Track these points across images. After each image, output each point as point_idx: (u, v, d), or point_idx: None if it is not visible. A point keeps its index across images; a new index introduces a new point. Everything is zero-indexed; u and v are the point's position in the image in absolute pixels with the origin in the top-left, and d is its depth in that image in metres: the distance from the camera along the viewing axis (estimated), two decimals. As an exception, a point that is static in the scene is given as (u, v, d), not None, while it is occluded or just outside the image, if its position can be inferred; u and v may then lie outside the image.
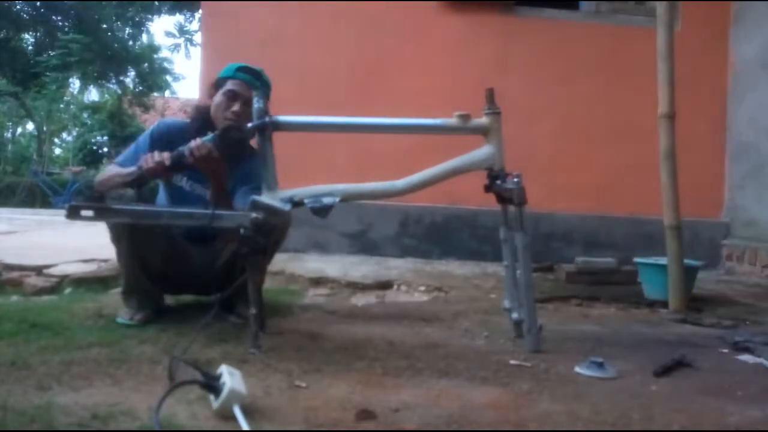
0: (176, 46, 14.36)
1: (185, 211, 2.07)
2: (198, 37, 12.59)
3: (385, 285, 3.35)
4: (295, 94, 4.11)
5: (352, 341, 2.11)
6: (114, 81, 20.42)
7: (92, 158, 24.47)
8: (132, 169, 2.05)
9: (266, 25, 4.59)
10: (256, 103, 2.04)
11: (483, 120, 2.13)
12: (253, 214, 1.88)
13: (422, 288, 3.31)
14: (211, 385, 1.37)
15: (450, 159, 2.13)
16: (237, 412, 1.31)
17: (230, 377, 1.37)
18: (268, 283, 3.15)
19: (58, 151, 27.64)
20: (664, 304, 2.99)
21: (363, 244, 4.49)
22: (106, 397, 1.43)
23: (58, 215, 6.71)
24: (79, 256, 3.57)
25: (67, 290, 3.01)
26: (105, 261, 3.49)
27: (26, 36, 20.36)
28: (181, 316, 2.30)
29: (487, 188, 2.18)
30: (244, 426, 1.26)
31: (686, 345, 2.25)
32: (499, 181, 2.11)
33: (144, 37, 20.55)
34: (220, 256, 2.33)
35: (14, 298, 2.82)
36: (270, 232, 1.94)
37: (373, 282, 3.36)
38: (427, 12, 4.59)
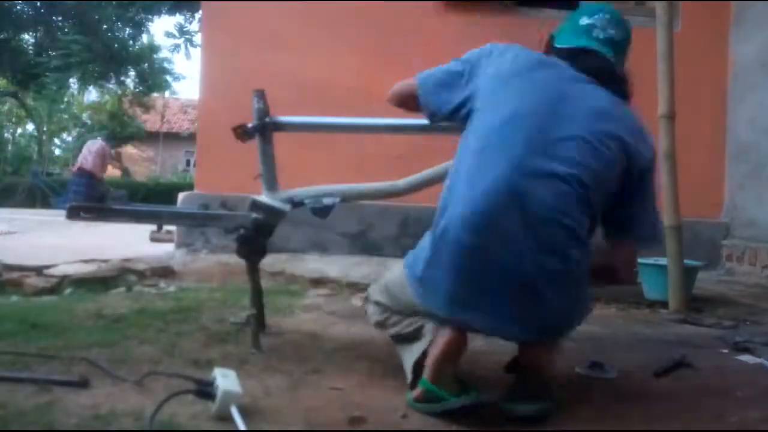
0: (176, 47, 14.34)
1: (186, 211, 2.07)
2: (198, 38, 12.59)
3: (385, 285, 3.34)
4: (295, 94, 4.11)
5: (352, 342, 2.11)
6: (114, 81, 20.40)
7: (92, 158, 24.49)
8: None
9: (266, 26, 4.58)
10: (257, 104, 2.04)
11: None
12: (254, 215, 1.88)
13: (422, 288, 3.30)
14: (204, 391, 1.37)
15: (450, 159, 2.13)
16: (234, 413, 1.31)
17: (223, 379, 1.37)
18: (269, 283, 3.15)
19: (58, 151, 27.64)
20: (664, 305, 2.99)
21: (363, 244, 4.48)
22: (106, 397, 1.43)
23: (58, 215, 6.71)
24: (79, 257, 3.56)
25: (68, 290, 3.00)
26: (105, 261, 3.49)
27: (26, 36, 20.35)
28: (181, 316, 2.30)
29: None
30: (242, 426, 1.26)
31: (686, 345, 2.25)
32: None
33: (144, 38, 20.54)
34: None
35: (14, 298, 2.82)
36: (270, 233, 1.94)
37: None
38: (427, 12, 4.59)
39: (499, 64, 1.60)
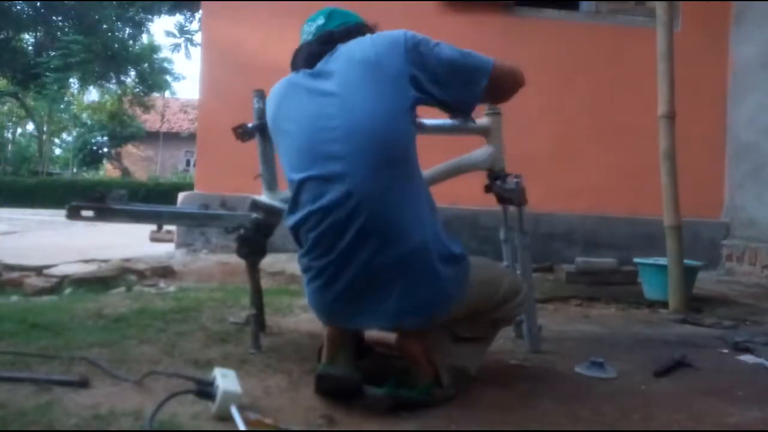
0: (176, 46, 14.36)
1: (186, 211, 2.07)
2: (198, 37, 12.59)
3: (385, 285, 3.34)
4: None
5: (352, 341, 2.10)
6: (114, 81, 20.43)
7: (92, 158, 24.52)
8: None
9: (266, 25, 4.58)
10: (256, 104, 2.04)
11: (483, 120, 2.13)
12: (254, 215, 1.88)
13: (422, 288, 3.30)
14: (205, 391, 1.37)
15: (450, 159, 2.13)
16: (234, 413, 1.31)
17: (223, 379, 1.36)
18: (269, 283, 3.15)
19: (58, 151, 27.67)
20: (664, 305, 2.99)
21: (363, 244, 4.48)
22: (106, 397, 1.43)
23: (58, 215, 6.71)
24: (79, 256, 3.57)
25: (68, 290, 3.01)
26: (105, 261, 3.49)
27: (26, 36, 20.38)
28: (181, 316, 2.30)
29: (487, 189, 2.17)
30: (242, 426, 1.26)
31: (686, 345, 2.25)
32: (499, 182, 2.11)
33: (144, 37, 20.57)
34: None
35: (14, 298, 2.82)
36: (270, 233, 1.94)
37: (373, 282, 3.35)
38: (427, 12, 4.58)
39: None
